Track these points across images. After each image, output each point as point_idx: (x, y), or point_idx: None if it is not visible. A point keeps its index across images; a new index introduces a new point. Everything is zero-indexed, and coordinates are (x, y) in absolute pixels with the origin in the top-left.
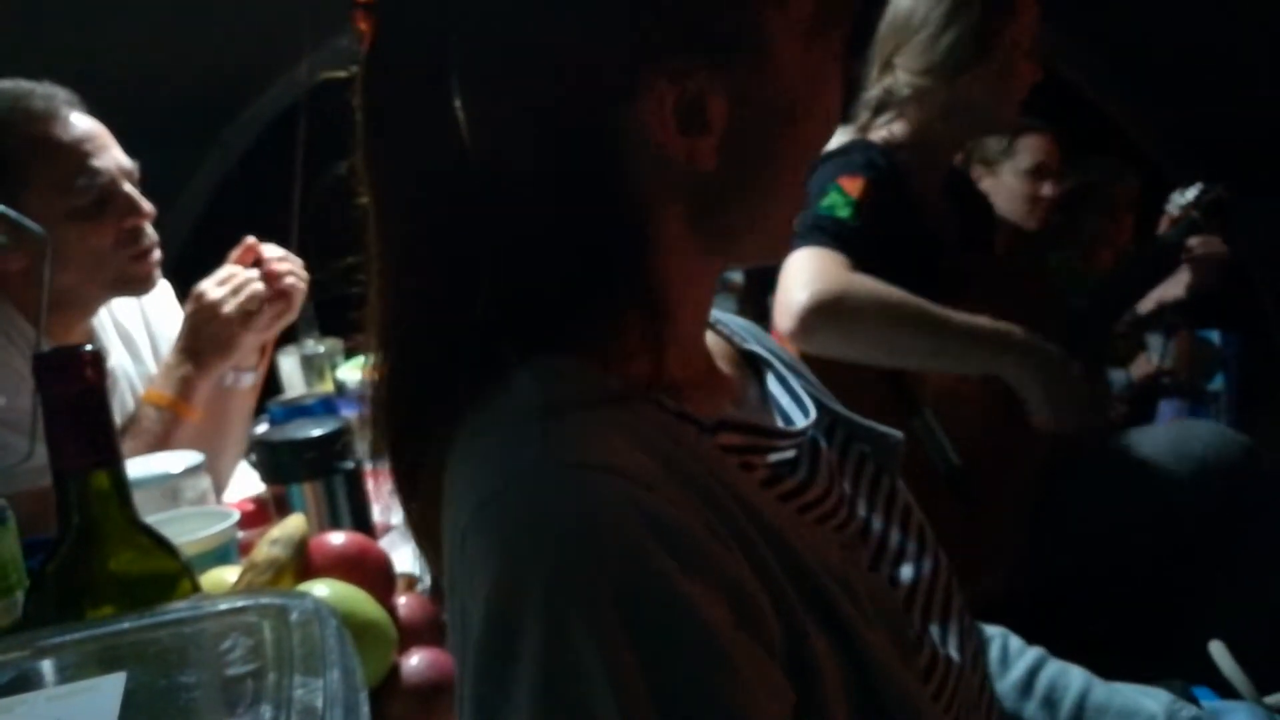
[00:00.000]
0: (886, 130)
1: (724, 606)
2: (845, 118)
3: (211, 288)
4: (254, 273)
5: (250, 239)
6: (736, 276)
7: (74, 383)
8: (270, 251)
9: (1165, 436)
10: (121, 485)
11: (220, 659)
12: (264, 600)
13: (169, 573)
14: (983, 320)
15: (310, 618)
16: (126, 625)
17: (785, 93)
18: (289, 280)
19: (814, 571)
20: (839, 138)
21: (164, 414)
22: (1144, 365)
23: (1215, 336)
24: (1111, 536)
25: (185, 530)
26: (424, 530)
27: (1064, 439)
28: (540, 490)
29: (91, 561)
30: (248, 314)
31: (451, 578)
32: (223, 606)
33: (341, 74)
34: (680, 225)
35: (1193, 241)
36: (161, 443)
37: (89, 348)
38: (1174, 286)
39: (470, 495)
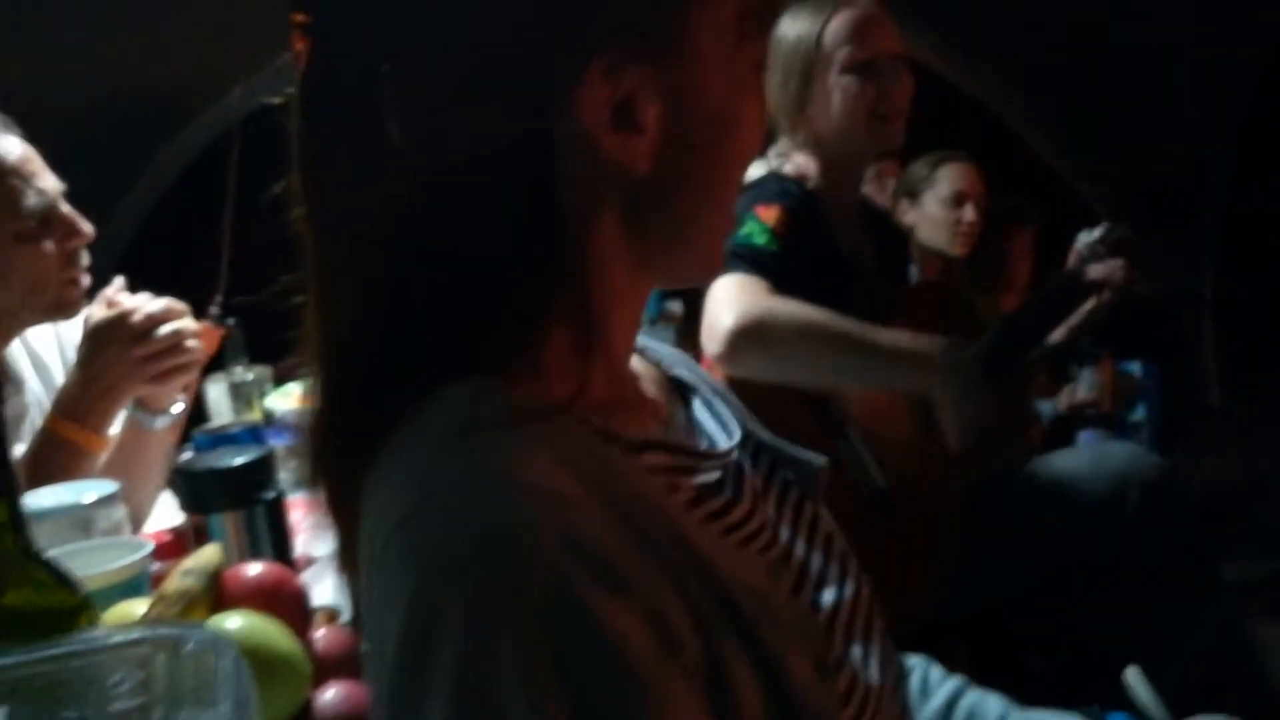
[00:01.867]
0: (794, 165)
1: (645, 629)
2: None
3: (119, 308)
4: (186, 320)
5: (114, 288)
6: (675, 307)
7: None
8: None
9: (1084, 456)
10: (17, 516)
11: (107, 693)
12: (159, 632)
13: (67, 607)
14: (904, 337)
15: (206, 650)
16: (12, 660)
17: (715, 99)
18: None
19: (736, 593)
20: (753, 171)
21: (69, 445)
22: (1069, 396)
23: (1137, 368)
24: (1034, 558)
25: (96, 562)
26: (348, 558)
27: (987, 464)
28: (461, 508)
29: None
30: (163, 352)
31: (368, 599)
32: (116, 639)
33: (277, 100)
34: (615, 237)
35: (1095, 269)
36: (69, 474)
37: None
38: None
39: (389, 513)
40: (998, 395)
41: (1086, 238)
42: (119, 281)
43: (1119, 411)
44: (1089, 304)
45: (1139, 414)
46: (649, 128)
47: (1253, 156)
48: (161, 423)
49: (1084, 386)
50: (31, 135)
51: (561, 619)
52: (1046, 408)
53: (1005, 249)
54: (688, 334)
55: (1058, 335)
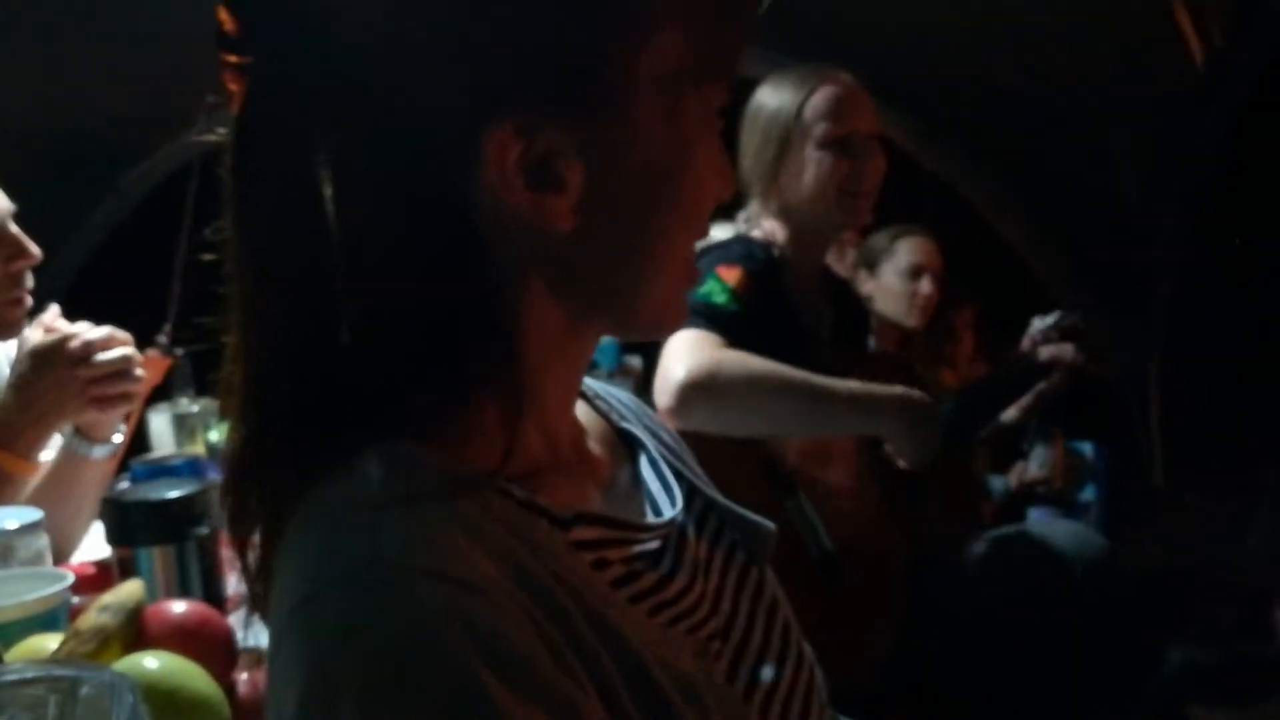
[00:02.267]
0: (763, 230)
1: None
2: (728, 215)
3: (58, 333)
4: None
5: (51, 314)
6: (635, 361)
7: None
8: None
9: (1032, 533)
10: None
11: None
12: (56, 672)
13: None
14: (855, 384)
15: (103, 692)
16: None
17: (649, 152)
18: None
19: (658, 681)
20: (721, 233)
21: None
22: (1020, 474)
23: (1088, 449)
24: (978, 630)
25: (12, 592)
26: (260, 604)
27: (936, 533)
28: (359, 596)
29: None
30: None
31: (271, 672)
32: (9, 677)
33: (220, 135)
34: (543, 298)
35: (1047, 351)
36: None
37: None
38: (1034, 396)
39: (288, 595)
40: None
41: (1040, 323)
42: (55, 308)
43: (1069, 490)
44: (1040, 385)
45: (1088, 494)
46: (571, 185)
47: (1205, 243)
48: (101, 452)
49: (1035, 464)
50: None
51: (462, 717)
52: (998, 484)
53: (950, 325)
54: (646, 388)
55: (1010, 414)
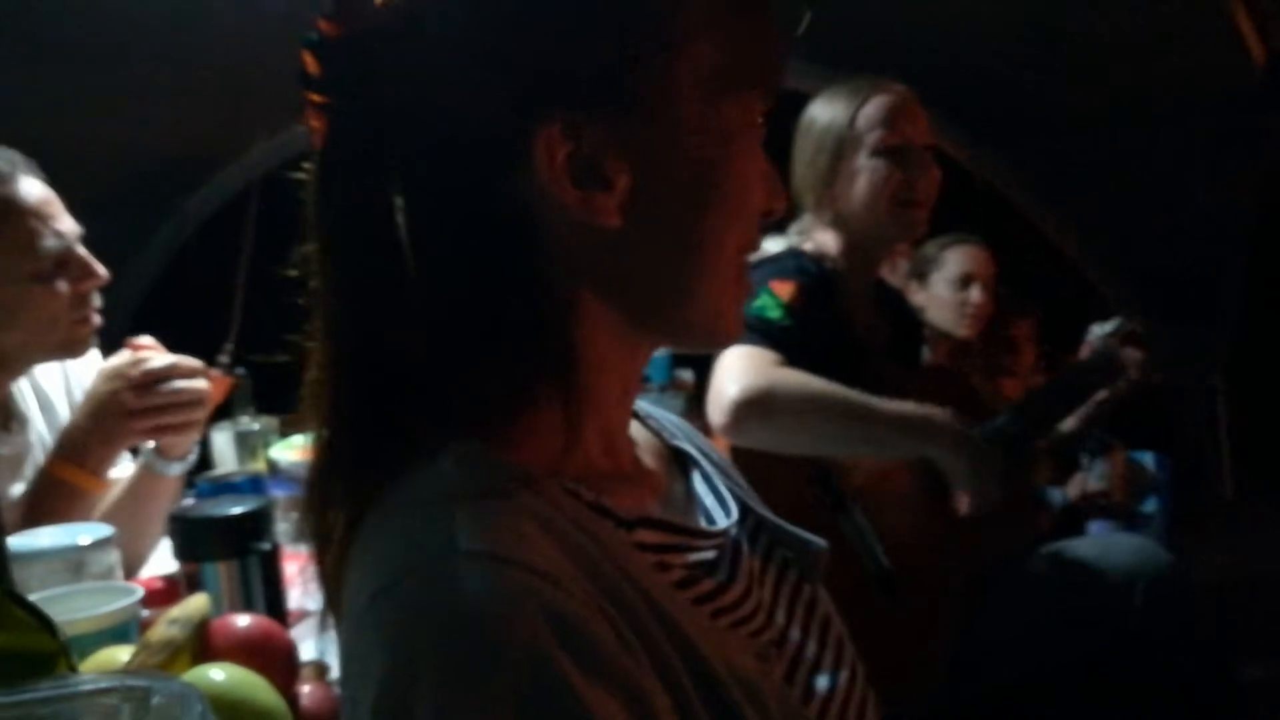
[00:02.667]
0: (815, 242)
1: (621, 711)
2: (781, 228)
3: (131, 357)
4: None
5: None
6: (687, 375)
7: None
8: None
9: (1093, 547)
10: (1, 556)
11: None
12: (129, 682)
13: (45, 651)
14: (910, 406)
15: (174, 701)
16: None
17: (691, 154)
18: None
19: (722, 680)
20: (773, 246)
21: (67, 487)
22: (1079, 486)
23: (1149, 460)
24: (1036, 648)
25: (85, 605)
26: (333, 615)
27: (991, 548)
28: (442, 578)
29: None
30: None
31: (346, 662)
32: (86, 687)
33: (297, 174)
34: (596, 302)
35: (1107, 359)
36: (66, 515)
37: None
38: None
39: (372, 579)
40: (1009, 473)
41: (1099, 330)
42: (147, 339)
43: (1130, 503)
44: (1100, 394)
45: (1150, 506)
46: (618, 184)
47: (1270, 248)
48: (175, 469)
49: (1094, 476)
50: (56, 181)
51: (538, 699)
52: (1056, 495)
53: (1009, 336)
54: (698, 403)
55: (1069, 424)
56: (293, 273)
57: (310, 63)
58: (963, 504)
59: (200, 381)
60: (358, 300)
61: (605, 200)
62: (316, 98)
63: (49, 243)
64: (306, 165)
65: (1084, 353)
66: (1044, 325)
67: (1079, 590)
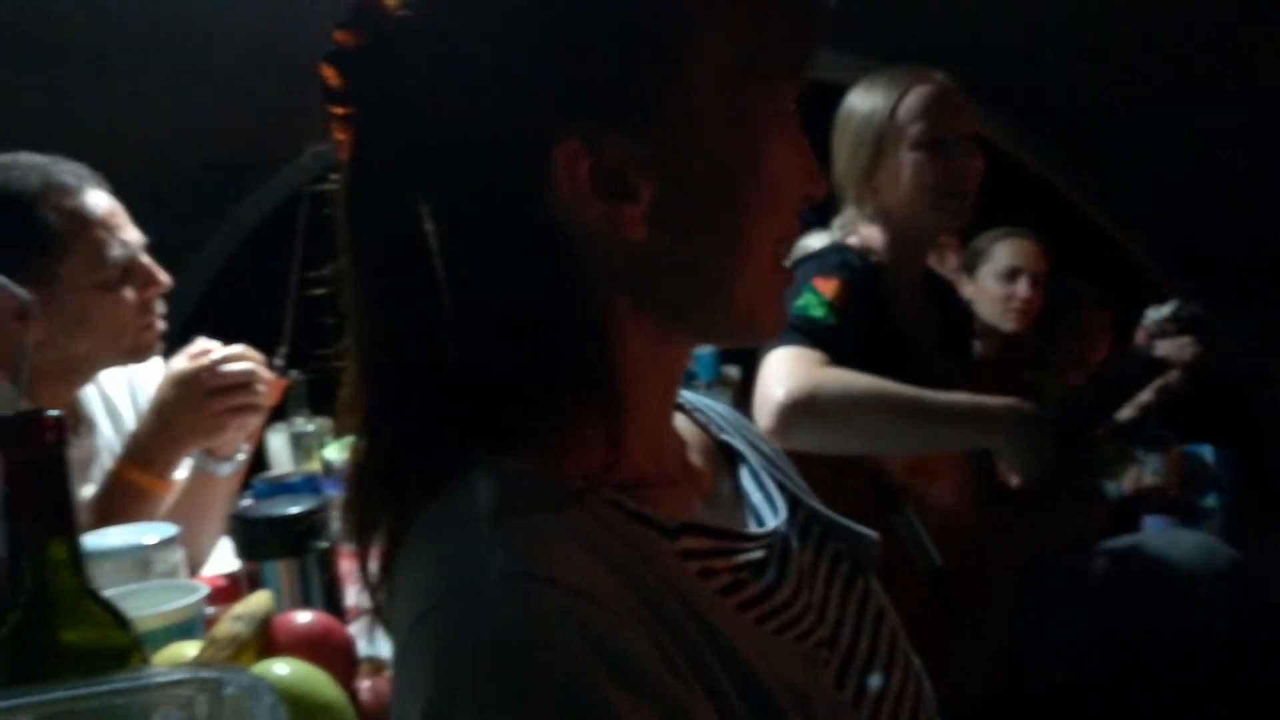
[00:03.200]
0: (859, 237)
1: None
2: (823, 223)
3: (199, 359)
4: (253, 365)
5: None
6: (733, 371)
7: (35, 448)
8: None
9: (1151, 544)
10: (76, 555)
11: None
12: (202, 674)
13: (120, 646)
14: (960, 396)
15: (245, 693)
16: (62, 694)
17: (717, 155)
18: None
19: (768, 689)
20: (816, 241)
21: (135, 489)
22: (1134, 479)
23: (1208, 452)
24: (1093, 647)
25: (152, 603)
26: (386, 615)
27: (1047, 541)
28: (481, 602)
29: (42, 630)
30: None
31: (395, 683)
32: (161, 679)
33: (332, 181)
34: (629, 310)
35: (1163, 345)
36: (134, 517)
37: (53, 413)
38: (1151, 394)
39: (414, 604)
40: (1063, 460)
41: (1155, 315)
42: (201, 340)
43: (1187, 497)
44: (1156, 382)
45: (1210, 500)
46: (642, 194)
47: None
48: (226, 469)
49: (1149, 470)
50: (118, 190)
51: (580, 719)
52: (1111, 487)
53: (1080, 329)
54: (744, 398)
55: (1126, 413)
56: (333, 283)
57: (330, 75)
58: (1012, 478)
59: (265, 371)
60: (388, 313)
61: (631, 211)
62: (339, 110)
63: (115, 252)
64: (334, 177)
65: (1139, 338)
66: (1118, 321)
67: (1139, 588)
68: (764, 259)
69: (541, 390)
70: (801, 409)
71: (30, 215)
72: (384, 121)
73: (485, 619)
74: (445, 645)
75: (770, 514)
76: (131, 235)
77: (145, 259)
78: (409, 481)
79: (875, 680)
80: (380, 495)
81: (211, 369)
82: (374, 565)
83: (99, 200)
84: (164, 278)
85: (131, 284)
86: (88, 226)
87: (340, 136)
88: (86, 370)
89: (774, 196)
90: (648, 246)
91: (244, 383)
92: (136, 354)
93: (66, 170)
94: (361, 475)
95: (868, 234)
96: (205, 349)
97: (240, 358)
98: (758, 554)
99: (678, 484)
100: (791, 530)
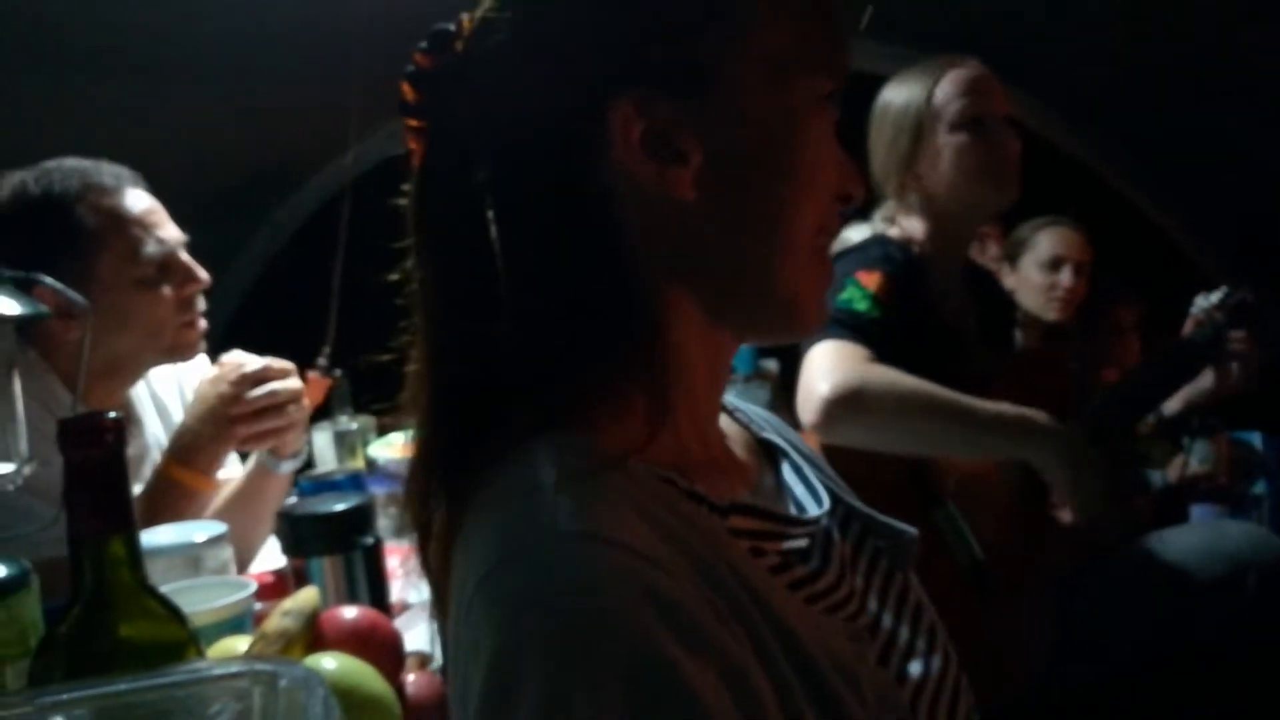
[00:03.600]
0: (901, 228)
1: (723, 689)
2: (863, 216)
3: (245, 365)
4: (286, 381)
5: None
6: (771, 365)
7: (95, 448)
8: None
9: (1197, 536)
10: (135, 552)
11: None
12: (257, 667)
13: (176, 640)
14: (1005, 406)
15: (299, 685)
16: (122, 686)
17: (759, 132)
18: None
19: (818, 662)
20: (857, 234)
21: (180, 487)
22: (1180, 467)
23: (1257, 439)
24: (1139, 642)
25: (203, 599)
26: (440, 605)
27: (1089, 537)
28: (546, 560)
29: (101, 625)
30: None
31: (455, 647)
32: (217, 671)
33: (387, 176)
34: (679, 288)
35: (1211, 338)
36: (179, 514)
37: (112, 414)
38: (1203, 387)
39: (477, 565)
40: (1112, 466)
41: (1204, 302)
42: (235, 352)
43: (1235, 485)
44: (1208, 383)
45: (1259, 489)
46: (691, 159)
47: None
48: (286, 467)
49: (1196, 459)
50: (161, 192)
51: (641, 675)
52: (1156, 477)
53: (1114, 323)
54: (783, 393)
55: (1173, 405)
56: (391, 277)
57: (408, 92)
58: (1065, 514)
59: (294, 381)
60: (452, 303)
61: (681, 173)
62: (414, 123)
63: (151, 249)
64: (405, 187)
65: (1188, 327)
66: (1150, 315)
67: (1186, 579)
68: (805, 245)
69: (598, 369)
70: (846, 404)
71: (68, 216)
72: (454, 131)
73: (550, 576)
74: (510, 601)
75: (813, 505)
76: (170, 233)
77: (184, 256)
78: (471, 462)
79: (915, 668)
80: (442, 479)
81: (238, 396)
82: (436, 552)
83: (137, 199)
84: (203, 275)
85: (170, 281)
86: (123, 224)
87: (413, 146)
88: (132, 369)
89: (812, 178)
90: (695, 214)
91: (267, 407)
92: (179, 351)
93: (107, 172)
94: (424, 451)
95: (909, 225)
96: (237, 364)
97: (265, 376)
98: (802, 542)
99: (726, 470)
100: (832, 524)
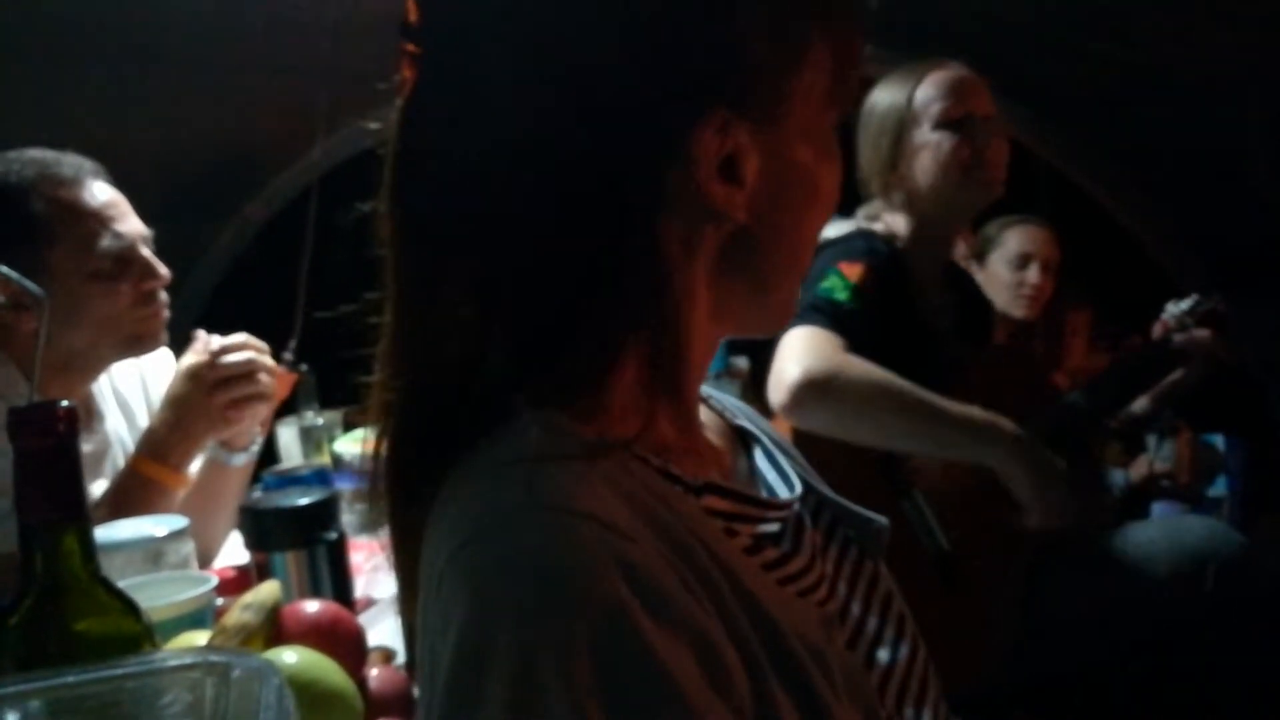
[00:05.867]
0: (885, 224)
1: (695, 664)
2: (846, 212)
3: (208, 354)
4: (261, 356)
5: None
6: (741, 362)
7: (45, 437)
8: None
9: (1159, 530)
10: (88, 544)
11: (159, 713)
12: (210, 658)
13: (131, 633)
14: (974, 410)
15: (252, 676)
16: (71, 679)
17: (803, 160)
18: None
19: (789, 641)
20: (842, 228)
21: (152, 483)
22: (1143, 466)
23: (1219, 441)
24: (1101, 633)
25: (163, 593)
26: (408, 601)
27: (1054, 531)
28: (519, 532)
29: (53, 618)
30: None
31: (424, 625)
32: (171, 663)
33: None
34: (701, 285)
35: (1179, 336)
36: (150, 510)
37: (64, 403)
38: (1171, 380)
39: (449, 540)
40: (1075, 472)
41: (1175, 309)
42: (201, 333)
43: (1196, 485)
44: (1175, 375)
45: (1219, 488)
46: (749, 182)
47: None
48: (240, 460)
49: (1161, 457)
50: (128, 190)
51: (613, 647)
52: (1118, 477)
53: (1061, 327)
54: (753, 390)
55: (1141, 404)
56: (363, 258)
57: (411, 9)
58: (1029, 519)
59: (267, 359)
60: (433, 257)
61: (740, 196)
62: (411, 47)
63: (107, 243)
64: (374, 125)
65: (1158, 331)
66: (1098, 319)
67: (1146, 572)
68: (806, 261)
69: (594, 347)
70: (816, 389)
71: (20, 206)
72: (461, 64)
73: (521, 547)
74: (482, 572)
75: (785, 491)
76: (129, 227)
77: (145, 251)
78: (451, 437)
79: (883, 655)
80: (419, 457)
81: (211, 363)
82: (404, 535)
83: (96, 191)
84: (163, 271)
85: (128, 276)
86: (79, 217)
87: (406, 74)
88: (91, 363)
89: (826, 207)
90: (738, 233)
91: (245, 373)
92: (138, 345)
93: (67, 163)
94: (399, 426)
95: (893, 222)
96: (204, 341)
97: (239, 347)
98: (774, 526)
99: (701, 455)
100: (804, 510)
